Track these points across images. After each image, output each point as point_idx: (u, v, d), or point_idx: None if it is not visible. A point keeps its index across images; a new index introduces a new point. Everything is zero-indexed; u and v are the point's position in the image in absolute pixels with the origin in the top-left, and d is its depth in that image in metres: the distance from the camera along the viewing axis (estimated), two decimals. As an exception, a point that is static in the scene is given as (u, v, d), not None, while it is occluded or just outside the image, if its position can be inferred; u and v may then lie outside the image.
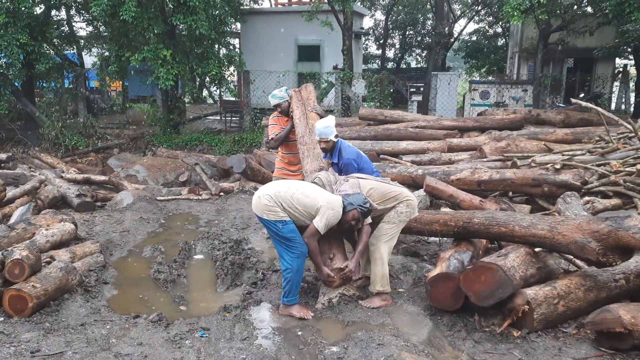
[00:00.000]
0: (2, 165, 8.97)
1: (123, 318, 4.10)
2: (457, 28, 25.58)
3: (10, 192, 6.57)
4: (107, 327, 3.96)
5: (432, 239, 5.61)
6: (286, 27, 16.96)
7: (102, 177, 8.74)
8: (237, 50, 16.37)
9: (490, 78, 23.21)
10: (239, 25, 17.61)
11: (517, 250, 4.13)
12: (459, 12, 25.08)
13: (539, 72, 15.25)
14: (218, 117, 16.74)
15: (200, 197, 7.95)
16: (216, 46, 14.64)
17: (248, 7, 17.18)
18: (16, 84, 14.12)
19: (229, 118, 15.34)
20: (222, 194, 8.19)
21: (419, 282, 4.67)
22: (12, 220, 5.67)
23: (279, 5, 19.56)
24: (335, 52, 15.80)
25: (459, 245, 4.60)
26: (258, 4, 17.84)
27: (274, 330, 3.88)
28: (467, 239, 4.66)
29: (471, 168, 7.11)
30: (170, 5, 12.90)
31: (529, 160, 7.15)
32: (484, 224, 4.41)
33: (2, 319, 3.99)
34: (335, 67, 15.16)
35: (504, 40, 24.14)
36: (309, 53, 17.00)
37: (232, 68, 15.18)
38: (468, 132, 10.09)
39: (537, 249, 4.30)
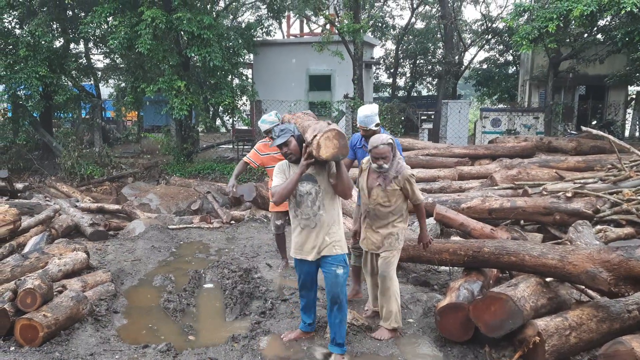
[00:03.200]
0: (19, 194, 9.13)
1: (132, 348, 4.10)
2: (467, 56, 25.80)
3: (26, 221, 6.68)
4: (116, 357, 3.96)
5: (442, 268, 5.57)
6: (298, 57, 17.27)
7: (116, 206, 8.86)
8: (249, 80, 16.67)
9: (501, 106, 23.26)
10: (252, 56, 17.98)
11: (527, 280, 4.09)
12: (469, 41, 25.32)
13: (549, 99, 15.27)
14: (231, 146, 16.94)
15: (211, 226, 8.01)
16: (229, 77, 14.91)
17: (261, 39, 17.55)
18: (35, 115, 14.47)
19: (242, 147, 15.51)
20: (233, 222, 8.24)
21: (428, 312, 4.63)
22: (26, 250, 5.76)
23: (291, 37, 19.94)
24: (346, 82, 16.00)
25: (469, 274, 4.57)
26: (270, 36, 18.20)
27: (282, 361, 3.87)
28: (477, 268, 4.63)
29: (482, 196, 7.09)
30: (184, 38, 13.22)
31: (541, 188, 7.13)
32: (494, 253, 4.39)
33: (13, 348, 4.03)
34: (345, 96, 15.32)
35: (515, 68, 24.26)
36: (320, 82, 17.25)
37: (244, 98, 15.43)
38: (479, 159, 10.11)
39: (548, 279, 4.26)
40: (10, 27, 14.37)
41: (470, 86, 27.92)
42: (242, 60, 16.43)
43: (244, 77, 15.99)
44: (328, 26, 16.16)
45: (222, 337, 4.33)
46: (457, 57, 22.16)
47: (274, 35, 19.43)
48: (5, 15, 13.85)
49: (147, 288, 5.52)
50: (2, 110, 15.38)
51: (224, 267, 5.77)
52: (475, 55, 27.73)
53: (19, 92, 13.58)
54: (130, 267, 6.05)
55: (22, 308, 4.17)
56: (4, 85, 13.26)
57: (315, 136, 3.38)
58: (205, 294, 5.37)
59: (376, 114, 4.73)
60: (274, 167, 4.79)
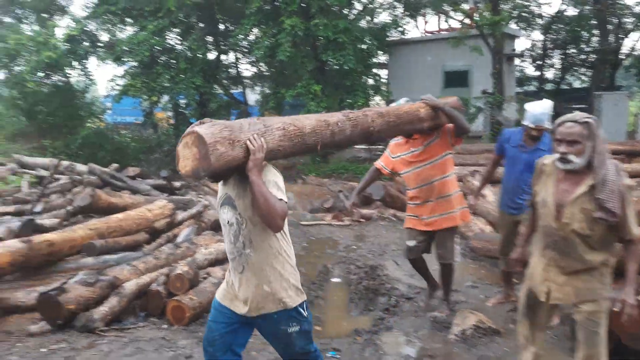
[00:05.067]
0: (176, 192, 10.30)
1: (264, 333, 4.42)
2: (629, 43, 23.01)
3: (180, 215, 7.52)
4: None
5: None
6: (433, 54, 16.97)
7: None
8: (383, 80, 16.79)
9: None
10: (385, 55, 18.05)
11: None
12: (631, 26, 22.56)
13: None
14: (365, 146, 17.18)
15: (341, 223, 8.25)
16: (363, 78, 15.19)
17: (396, 38, 17.54)
18: (192, 121, 16.13)
19: (374, 147, 15.65)
20: (362, 220, 8.39)
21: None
22: (178, 240, 6.48)
23: (427, 34, 19.62)
24: (484, 76, 15.32)
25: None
26: (404, 35, 18.12)
27: (404, 358, 3.88)
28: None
29: (637, 197, 6.34)
30: (321, 43, 13.75)
31: None
32: None
33: (165, 326, 4.58)
34: (483, 92, 14.67)
35: (690, 52, 21.08)
36: (457, 79, 16.75)
37: (378, 98, 15.57)
38: (638, 157, 9.03)
39: None
40: (172, 44, 16.22)
41: (632, 76, 24.85)
42: (376, 61, 16.61)
43: (377, 77, 16.14)
44: (466, 20, 15.62)
45: (346, 329, 4.48)
46: (614, 45, 19.90)
47: (408, 34, 19.30)
48: (168, 34, 15.65)
49: (280, 279, 5.89)
50: (166, 118, 17.43)
51: (350, 263, 5.93)
52: (638, 41, 24.64)
53: (179, 101, 15.29)
54: (266, 259, 6.49)
55: (172, 291, 4.73)
56: (168, 95, 15.03)
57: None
58: (332, 288, 5.57)
59: (550, 112, 4.15)
60: (408, 172, 4.30)
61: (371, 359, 3.87)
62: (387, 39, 16.56)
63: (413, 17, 20.47)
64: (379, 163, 4.56)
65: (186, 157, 2.37)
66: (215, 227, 7.85)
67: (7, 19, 17.90)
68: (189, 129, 2.40)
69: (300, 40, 13.28)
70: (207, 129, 2.35)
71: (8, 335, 4.37)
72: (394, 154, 4.44)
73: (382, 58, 18.56)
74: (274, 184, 2.48)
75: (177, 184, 10.77)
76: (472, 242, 6.25)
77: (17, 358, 3.98)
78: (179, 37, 16.59)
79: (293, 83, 14.10)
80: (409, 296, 4.98)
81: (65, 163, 10.44)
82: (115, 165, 10.82)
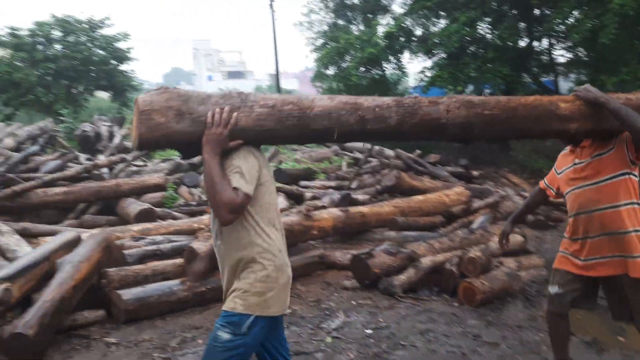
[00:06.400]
0: (473, 180, 10.45)
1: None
2: None
3: (476, 203, 7.65)
4: (541, 334, 4.19)
5: None
6: None
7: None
8: None
9: None
10: None
11: None
12: None
13: None
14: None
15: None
16: None
17: None
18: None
19: None
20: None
21: None
22: (473, 226, 6.63)
23: None
24: None
25: None
26: None
27: None
28: None
29: None
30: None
31: None
32: None
33: (456, 304, 4.84)
34: None
35: None
36: None
37: None
38: None
39: None
40: (482, 33, 16.18)
41: None
42: None
43: None
44: None
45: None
46: None
47: None
48: (479, 23, 15.68)
49: (580, 282, 5.46)
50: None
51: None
52: None
53: (484, 91, 15.24)
54: (563, 258, 6.09)
55: (464, 272, 4.94)
56: (473, 85, 15.16)
57: None
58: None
59: None
60: (568, 193, 3.15)
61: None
62: None
63: None
64: (544, 181, 3.50)
65: (133, 126, 2.15)
66: (512, 219, 7.74)
67: (340, 22, 20.79)
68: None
69: (631, 20, 11.52)
70: (150, 96, 2.11)
71: (328, 286, 5.35)
72: (560, 169, 3.29)
73: None
74: (236, 170, 2.13)
75: (475, 172, 10.91)
76: None
77: (334, 304, 4.85)
78: (489, 27, 16.41)
79: (617, 69, 12.38)
80: None
81: (376, 147, 11.73)
82: (418, 151, 11.59)
